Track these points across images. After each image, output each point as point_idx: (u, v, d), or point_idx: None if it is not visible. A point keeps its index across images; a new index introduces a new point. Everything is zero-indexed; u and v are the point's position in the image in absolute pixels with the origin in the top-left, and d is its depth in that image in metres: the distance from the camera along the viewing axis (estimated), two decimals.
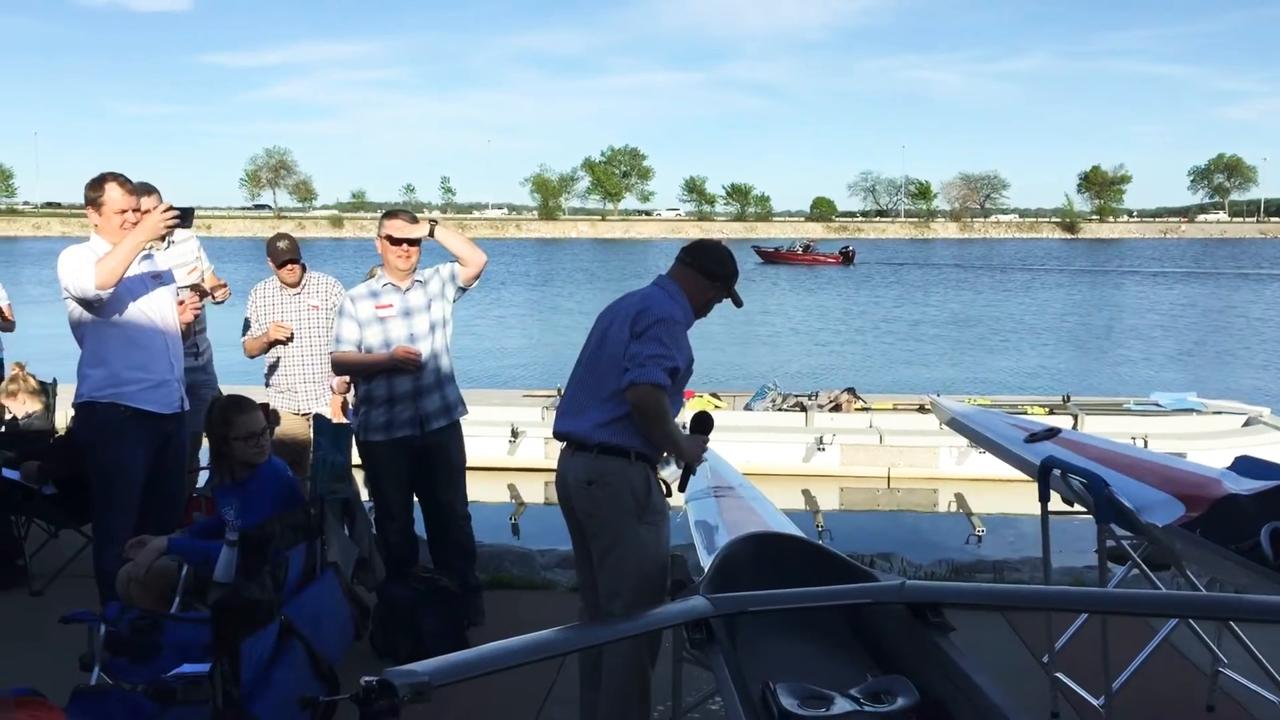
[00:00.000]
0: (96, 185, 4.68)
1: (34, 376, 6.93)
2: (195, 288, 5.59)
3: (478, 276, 5.32)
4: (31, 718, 1.80)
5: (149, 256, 4.90)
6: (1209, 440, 10.49)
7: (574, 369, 3.96)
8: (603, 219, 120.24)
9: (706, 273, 3.88)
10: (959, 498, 10.85)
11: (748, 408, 12.14)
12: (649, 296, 3.83)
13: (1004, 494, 10.38)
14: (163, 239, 5.74)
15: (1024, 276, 53.27)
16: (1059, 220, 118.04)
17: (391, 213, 5.27)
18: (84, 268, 4.49)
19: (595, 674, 3.82)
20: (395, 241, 5.09)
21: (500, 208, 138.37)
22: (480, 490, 10.30)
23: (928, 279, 51.48)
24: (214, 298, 6.03)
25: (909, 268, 60.79)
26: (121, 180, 4.70)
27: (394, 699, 1.92)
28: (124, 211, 4.64)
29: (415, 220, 5.20)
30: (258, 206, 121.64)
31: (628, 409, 3.66)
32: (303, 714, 3.05)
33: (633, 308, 3.78)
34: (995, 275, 54.36)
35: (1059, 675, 4.21)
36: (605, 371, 3.75)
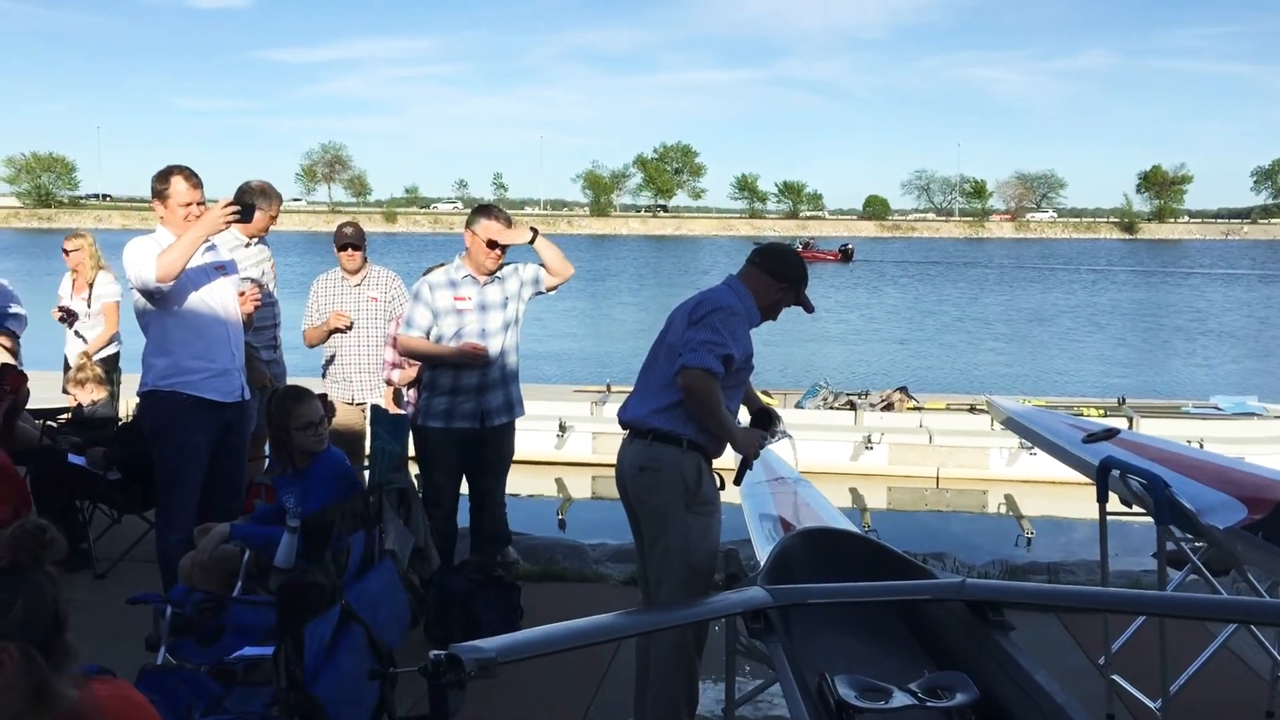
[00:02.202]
0: (163, 178, 4.77)
1: (99, 365, 7.06)
2: (256, 282, 5.66)
3: (558, 286, 5.36)
4: (109, 691, 1.85)
5: (212, 247, 4.97)
6: (1269, 445, 10.31)
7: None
8: (654, 215, 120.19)
9: (774, 274, 3.91)
10: (1009, 499, 10.74)
11: (799, 405, 12.11)
12: (712, 291, 3.89)
13: (1054, 496, 10.27)
14: (252, 238, 5.83)
15: (1088, 276, 52.48)
16: (1117, 220, 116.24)
17: (487, 209, 5.27)
18: (146, 260, 4.58)
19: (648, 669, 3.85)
20: (493, 245, 5.12)
21: (535, 203, 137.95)
22: (528, 484, 10.35)
23: (929, 277, 51.16)
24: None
25: (907, 265, 60.54)
26: (187, 173, 4.78)
27: (461, 673, 1.96)
28: (188, 204, 4.72)
29: (510, 223, 5.23)
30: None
31: (681, 396, 3.69)
32: (362, 694, 3.10)
33: (694, 301, 3.85)
34: (1027, 274, 53.63)
35: (1115, 678, 4.17)
36: (664, 361, 3.82)
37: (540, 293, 5.35)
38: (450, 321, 5.17)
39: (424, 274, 5.74)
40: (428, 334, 5.20)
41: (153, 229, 4.89)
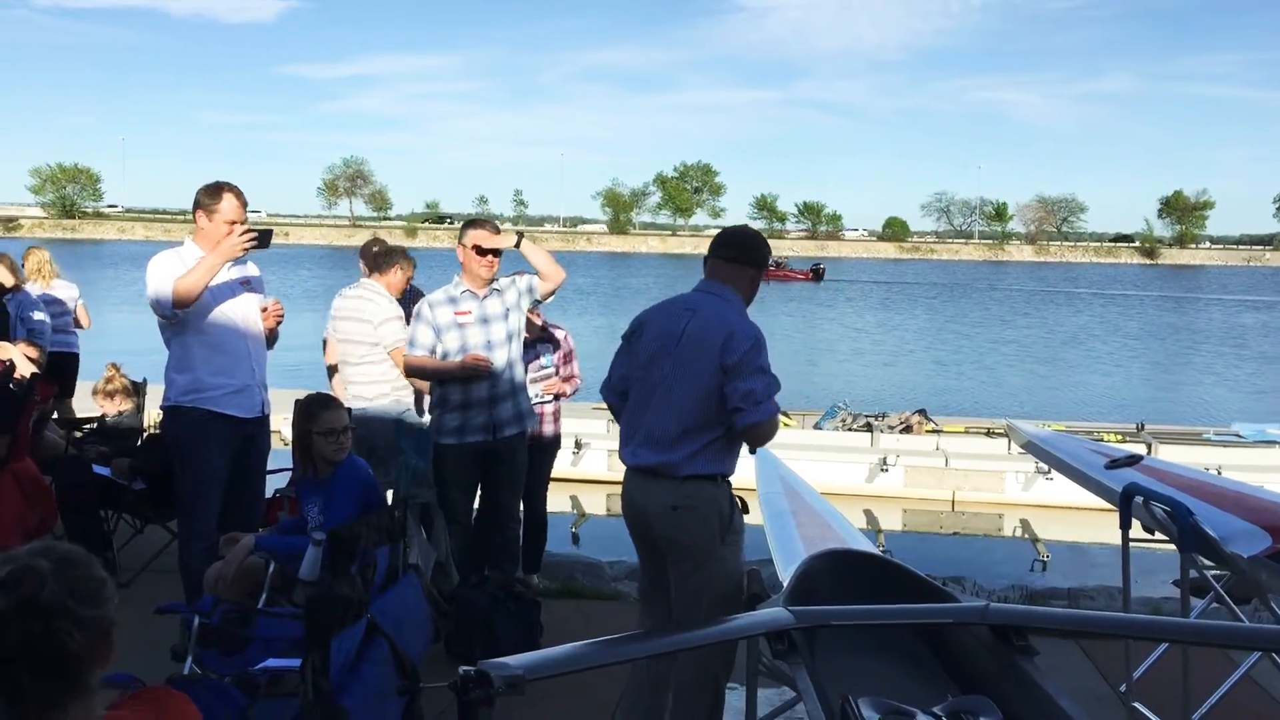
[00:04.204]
0: (213, 193, 4.78)
1: (126, 376, 7.14)
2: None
3: (554, 292, 5.40)
4: (154, 699, 1.89)
5: (240, 263, 4.99)
6: None
7: (640, 389, 3.84)
8: (673, 234, 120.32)
9: (755, 263, 3.92)
10: (1024, 523, 10.71)
11: (817, 427, 12.12)
12: (721, 318, 3.70)
13: (1069, 521, 10.25)
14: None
15: (1114, 301, 52.17)
16: (1138, 245, 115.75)
17: (475, 221, 5.37)
18: (166, 281, 4.64)
19: (656, 684, 3.83)
20: (482, 252, 5.18)
21: (555, 220, 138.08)
22: None
23: (908, 297, 51.11)
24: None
25: (881, 286, 60.54)
26: (238, 193, 4.82)
27: (489, 690, 1.97)
28: (233, 223, 4.77)
29: (499, 230, 5.30)
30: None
31: (717, 435, 3.66)
32: (386, 707, 3.13)
33: (715, 335, 3.65)
34: (1051, 298, 53.35)
35: (1136, 705, 4.16)
36: (692, 400, 3.67)
37: (538, 301, 5.41)
38: (453, 336, 5.21)
39: None
40: (432, 352, 5.25)
41: (179, 241, 4.94)
